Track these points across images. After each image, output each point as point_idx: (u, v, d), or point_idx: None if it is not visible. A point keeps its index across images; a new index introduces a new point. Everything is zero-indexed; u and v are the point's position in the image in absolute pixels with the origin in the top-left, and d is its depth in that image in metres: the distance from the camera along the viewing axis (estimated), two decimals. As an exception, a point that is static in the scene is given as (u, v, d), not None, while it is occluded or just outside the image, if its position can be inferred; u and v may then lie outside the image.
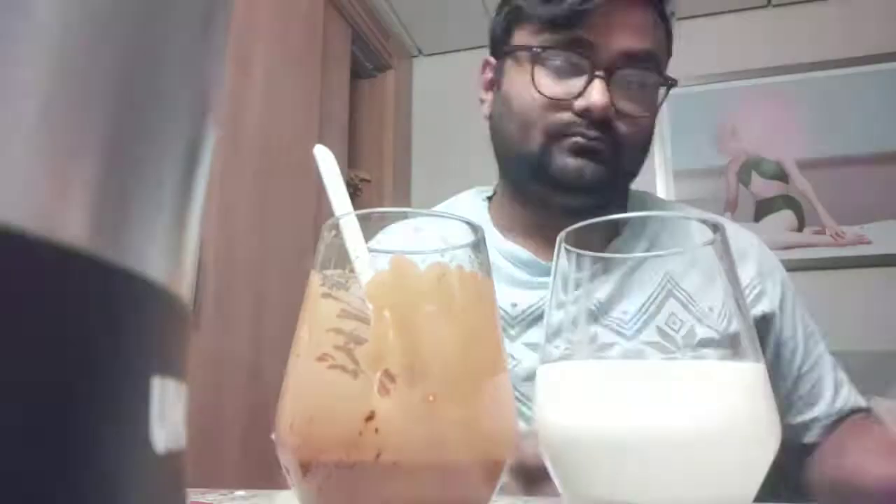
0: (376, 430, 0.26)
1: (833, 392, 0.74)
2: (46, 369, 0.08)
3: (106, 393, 0.09)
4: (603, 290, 0.53)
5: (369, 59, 2.24)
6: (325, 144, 0.34)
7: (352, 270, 0.30)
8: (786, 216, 2.01)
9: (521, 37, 0.72)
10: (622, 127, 0.68)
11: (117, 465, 0.09)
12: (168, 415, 0.10)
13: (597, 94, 0.66)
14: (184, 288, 0.11)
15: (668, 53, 0.75)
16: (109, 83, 0.09)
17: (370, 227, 0.31)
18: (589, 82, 0.67)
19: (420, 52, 2.44)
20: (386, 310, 0.28)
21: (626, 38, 0.68)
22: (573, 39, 0.67)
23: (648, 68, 0.70)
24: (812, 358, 0.74)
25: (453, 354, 0.29)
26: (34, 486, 0.08)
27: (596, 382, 0.31)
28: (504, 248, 0.74)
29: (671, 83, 0.72)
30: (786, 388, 0.74)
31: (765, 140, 2.05)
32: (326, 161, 0.33)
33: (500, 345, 0.32)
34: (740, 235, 0.79)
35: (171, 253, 0.11)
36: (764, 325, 0.72)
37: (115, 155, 0.09)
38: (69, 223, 0.08)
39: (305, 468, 0.28)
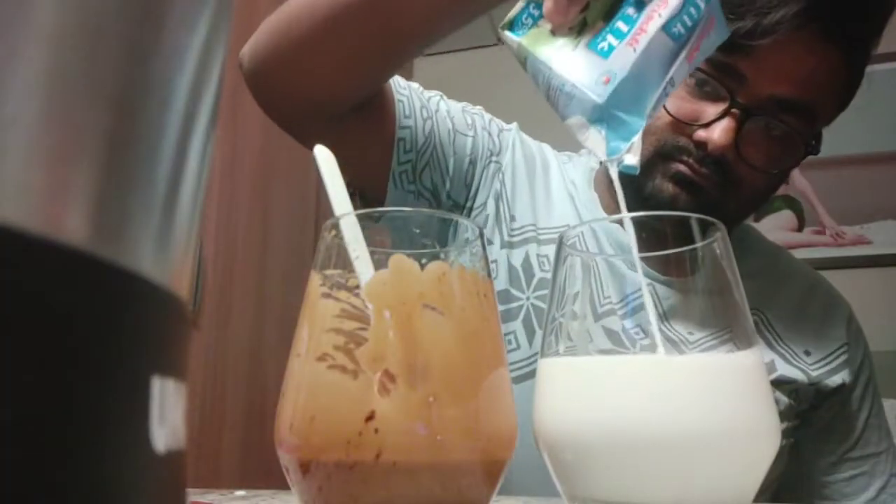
0: (376, 430, 0.26)
1: (874, 496, 0.68)
2: (46, 369, 0.08)
3: (106, 393, 0.09)
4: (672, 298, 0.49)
5: (369, 59, 2.23)
6: (325, 145, 0.34)
7: (352, 270, 0.29)
8: (786, 216, 2.00)
9: None
10: (740, 172, 0.60)
11: (117, 465, 0.09)
12: (168, 415, 0.10)
13: (721, 132, 0.58)
14: (184, 288, 0.11)
15: (841, 107, 0.65)
16: (109, 83, 0.09)
17: (370, 227, 0.31)
18: (721, 116, 0.59)
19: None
20: (386, 310, 0.28)
21: (785, 83, 0.59)
22: (726, 65, 0.59)
23: (797, 123, 0.60)
24: (867, 449, 0.70)
25: (453, 354, 0.29)
26: (35, 486, 0.08)
27: (596, 381, 0.31)
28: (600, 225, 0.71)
29: (812, 149, 0.63)
30: (825, 465, 0.70)
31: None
32: (326, 161, 0.33)
33: (500, 344, 0.32)
34: (833, 294, 0.77)
35: (170, 253, 0.11)
36: (834, 394, 0.68)
37: (115, 155, 0.09)
38: (69, 223, 0.08)
39: (305, 468, 0.28)
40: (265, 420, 1.45)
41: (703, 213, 0.47)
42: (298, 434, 0.28)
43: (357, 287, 0.29)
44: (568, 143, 0.61)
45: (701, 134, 0.60)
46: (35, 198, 0.08)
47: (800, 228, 1.98)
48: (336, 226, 0.31)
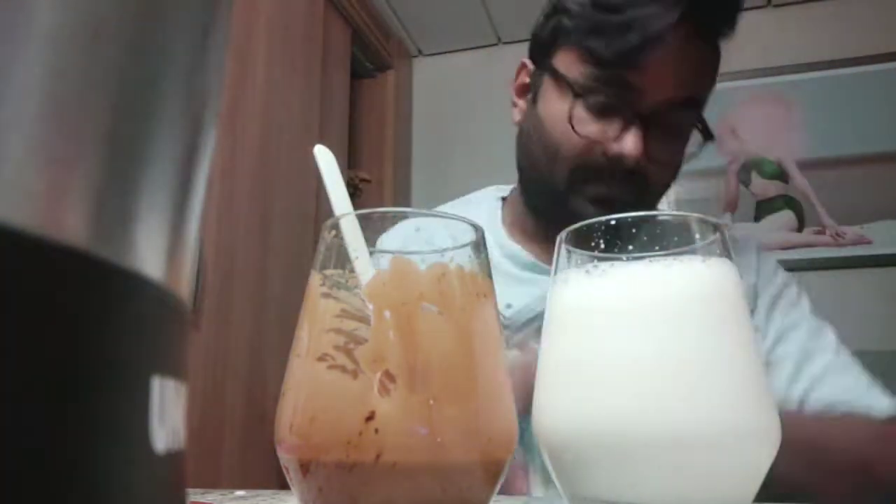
0: (376, 431, 0.26)
1: (790, 379, 0.66)
2: (46, 369, 0.08)
3: (106, 393, 0.09)
4: None
5: (369, 59, 2.24)
6: (325, 144, 0.34)
7: (352, 270, 0.29)
8: (786, 216, 2.00)
9: (564, 58, 0.68)
10: (651, 170, 0.65)
11: (117, 465, 0.09)
12: (168, 415, 0.10)
13: (632, 142, 0.63)
14: (184, 288, 0.11)
15: (714, 82, 0.71)
16: (109, 84, 0.09)
17: (370, 227, 0.31)
18: (626, 128, 0.64)
19: (420, 52, 2.44)
20: (386, 310, 0.28)
21: (674, 85, 0.64)
22: (618, 79, 0.63)
23: (689, 115, 0.67)
24: (784, 346, 0.68)
25: (453, 355, 0.29)
26: (35, 486, 0.08)
27: (597, 380, 0.31)
28: (506, 247, 0.74)
29: (709, 138, 0.69)
30: None
31: (765, 140, 2.05)
32: (326, 161, 0.33)
33: (500, 344, 0.32)
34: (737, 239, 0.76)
35: (170, 253, 0.11)
36: None
37: (115, 155, 0.09)
38: (69, 223, 0.08)
39: (305, 468, 0.28)
40: (265, 420, 1.45)
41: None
42: (298, 434, 0.28)
43: (357, 287, 0.29)
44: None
45: (615, 148, 0.64)
46: (35, 198, 0.08)
47: (800, 228, 1.98)
48: (336, 226, 0.31)
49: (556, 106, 0.67)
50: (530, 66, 0.74)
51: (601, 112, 0.65)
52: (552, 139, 0.67)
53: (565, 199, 0.66)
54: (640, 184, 0.65)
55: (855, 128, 1.97)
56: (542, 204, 0.72)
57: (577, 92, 0.65)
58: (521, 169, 0.75)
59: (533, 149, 0.70)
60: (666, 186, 0.70)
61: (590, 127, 0.65)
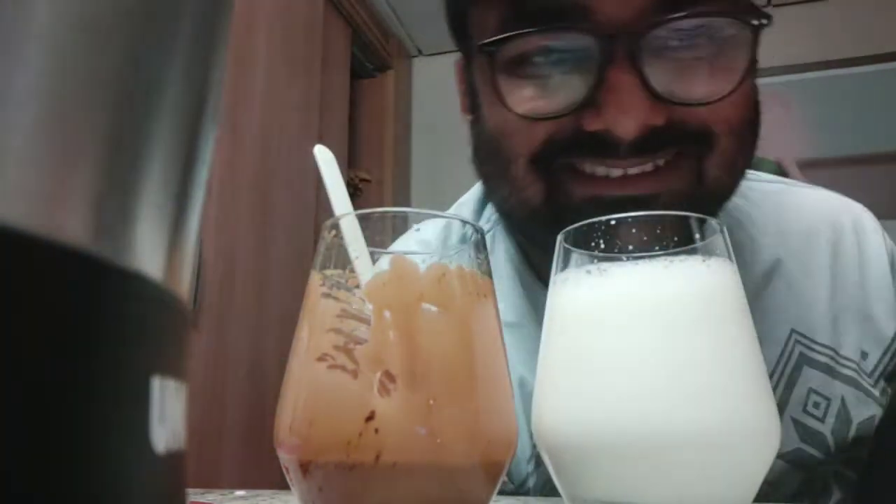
0: (376, 431, 0.26)
1: None
2: (46, 369, 0.08)
3: (106, 393, 0.09)
4: None
5: (369, 59, 2.24)
6: (325, 144, 0.34)
7: (352, 270, 0.29)
8: (786, 216, 2.01)
9: (478, 16, 0.44)
10: (687, 127, 0.39)
11: (117, 465, 0.09)
12: (168, 415, 0.10)
13: (620, 94, 0.38)
14: (184, 288, 0.11)
15: None
16: (109, 84, 0.09)
17: (370, 227, 0.31)
18: (598, 79, 0.38)
19: (420, 52, 2.44)
20: (386, 310, 0.28)
21: None
22: (548, 9, 0.39)
23: (711, 8, 0.38)
24: None
25: (453, 355, 0.29)
26: (35, 487, 0.08)
27: (596, 380, 0.31)
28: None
29: (762, 20, 0.39)
30: None
31: (765, 140, 2.05)
32: (326, 161, 0.33)
33: (500, 345, 0.32)
34: (861, 230, 0.58)
35: (171, 253, 0.11)
36: None
37: (115, 155, 0.09)
38: (69, 223, 0.08)
39: (305, 468, 0.28)
40: (265, 420, 1.45)
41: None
42: (298, 434, 0.28)
43: (357, 287, 0.29)
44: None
45: (591, 123, 0.38)
46: (35, 198, 0.08)
47: (800, 228, 1.99)
48: (336, 226, 0.31)
49: (487, 91, 0.43)
50: (464, 62, 0.50)
51: (551, 73, 0.40)
52: (496, 144, 0.43)
53: (555, 223, 0.35)
54: (678, 155, 0.38)
55: (855, 128, 1.97)
56: (539, 238, 0.44)
57: (493, 52, 0.40)
58: (496, 205, 0.50)
59: (483, 170, 0.48)
60: (737, 148, 0.42)
61: (534, 100, 0.40)
